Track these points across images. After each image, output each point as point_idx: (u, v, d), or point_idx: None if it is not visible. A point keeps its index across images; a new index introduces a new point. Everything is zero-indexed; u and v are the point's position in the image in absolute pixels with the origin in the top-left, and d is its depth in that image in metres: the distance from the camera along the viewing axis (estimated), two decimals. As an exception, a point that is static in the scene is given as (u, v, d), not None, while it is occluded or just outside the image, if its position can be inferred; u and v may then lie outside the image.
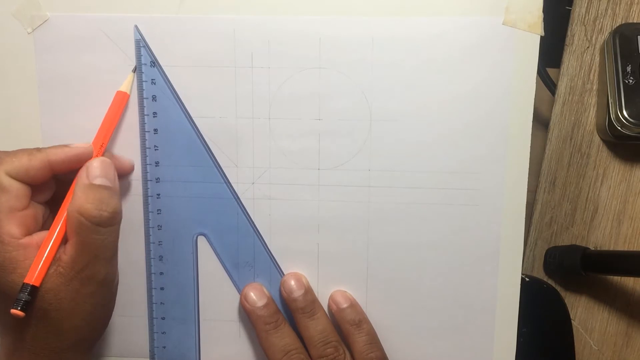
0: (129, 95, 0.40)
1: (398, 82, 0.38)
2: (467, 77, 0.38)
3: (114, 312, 0.38)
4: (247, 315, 0.40)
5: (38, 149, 0.36)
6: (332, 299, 0.40)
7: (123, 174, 0.40)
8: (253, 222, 0.41)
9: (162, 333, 0.42)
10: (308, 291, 0.40)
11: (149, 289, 0.42)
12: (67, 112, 0.40)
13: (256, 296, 0.40)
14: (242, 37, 0.39)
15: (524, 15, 0.37)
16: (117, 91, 0.39)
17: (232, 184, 0.40)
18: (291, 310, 0.40)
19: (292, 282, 0.40)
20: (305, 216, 0.40)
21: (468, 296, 0.40)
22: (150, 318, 0.42)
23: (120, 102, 0.39)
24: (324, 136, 0.39)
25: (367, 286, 0.41)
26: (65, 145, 0.36)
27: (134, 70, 0.40)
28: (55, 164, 0.35)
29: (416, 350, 0.41)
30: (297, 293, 0.39)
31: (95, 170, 0.35)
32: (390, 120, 0.39)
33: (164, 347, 0.42)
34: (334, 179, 0.40)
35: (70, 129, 0.41)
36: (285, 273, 0.41)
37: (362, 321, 0.39)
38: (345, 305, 0.40)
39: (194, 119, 0.40)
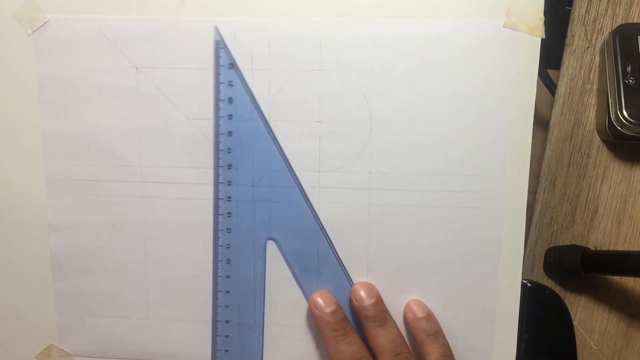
0: None
1: (398, 84, 0.38)
2: (468, 79, 0.38)
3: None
4: (315, 321, 0.40)
5: None
6: (408, 307, 0.40)
7: None
8: (324, 227, 0.40)
9: (225, 337, 0.42)
10: (378, 300, 0.40)
11: (215, 292, 0.42)
12: (67, 113, 0.40)
13: (325, 302, 0.40)
14: (242, 39, 0.39)
15: (525, 18, 0.37)
16: None
17: (305, 189, 0.40)
18: (361, 319, 0.40)
19: (362, 291, 0.39)
20: (305, 218, 0.40)
21: (468, 298, 0.40)
22: (214, 321, 0.42)
23: None
24: (325, 138, 0.39)
25: (367, 288, 0.41)
26: None
27: None
28: None
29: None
30: (368, 302, 0.39)
31: None
32: (391, 122, 0.39)
33: (226, 350, 0.42)
34: (334, 181, 0.40)
35: (70, 130, 0.41)
36: (353, 279, 0.41)
37: (438, 332, 0.39)
38: (422, 315, 0.39)
39: (269, 122, 0.40)
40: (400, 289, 0.40)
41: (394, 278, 0.40)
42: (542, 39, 0.37)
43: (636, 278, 0.46)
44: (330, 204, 0.40)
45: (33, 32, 0.40)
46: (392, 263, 0.40)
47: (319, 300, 0.40)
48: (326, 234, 0.40)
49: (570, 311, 0.46)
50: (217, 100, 0.40)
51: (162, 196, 0.41)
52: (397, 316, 0.40)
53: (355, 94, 0.39)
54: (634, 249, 0.47)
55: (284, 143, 0.40)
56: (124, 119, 0.40)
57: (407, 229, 0.40)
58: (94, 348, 0.43)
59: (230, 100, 0.39)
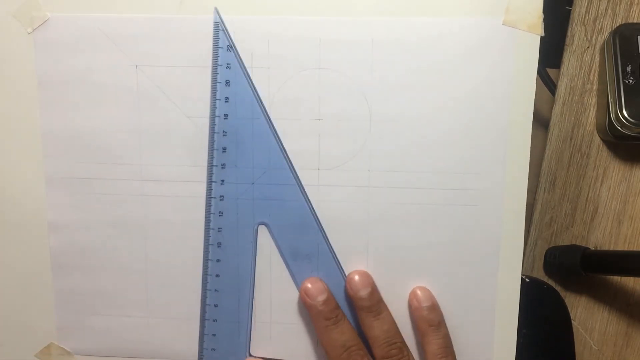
0: None
1: (398, 83, 0.38)
2: (467, 77, 0.38)
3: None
4: (307, 309, 0.40)
5: None
6: (414, 294, 0.40)
7: None
8: (316, 215, 0.40)
9: (214, 321, 0.42)
10: (374, 290, 0.39)
11: (204, 276, 0.41)
12: (67, 112, 0.40)
13: (316, 291, 0.39)
14: (242, 38, 0.39)
15: (524, 16, 0.37)
16: None
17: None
18: (357, 309, 0.39)
19: (358, 280, 0.39)
20: (304, 215, 0.40)
21: (468, 296, 0.40)
22: (203, 305, 0.42)
23: None
24: (324, 136, 0.39)
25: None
26: None
27: None
28: None
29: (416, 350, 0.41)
30: (364, 292, 0.39)
31: None
32: (390, 121, 0.39)
33: (214, 335, 0.42)
34: (334, 179, 0.40)
35: (70, 129, 0.41)
36: (344, 268, 0.40)
37: (441, 323, 0.39)
38: (426, 304, 0.39)
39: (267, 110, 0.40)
40: (400, 287, 0.40)
41: (393, 276, 0.40)
42: (541, 37, 0.37)
43: (636, 278, 0.46)
44: (330, 201, 0.40)
45: (33, 31, 0.40)
46: (392, 261, 0.40)
47: (310, 287, 0.39)
48: (324, 231, 0.40)
49: (570, 311, 0.46)
50: (214, 82, 0.39)
51: (162, 195, 0.41)
52: (396, 311, 0.40)
53: (355, 92, 0.39)
54: (634, 249, 0.47)
55: (284, 141, 0.40)
56: (123, 117, 0.40)
57: (407, 227, 0.40)
58: (94, 347, 0.43)
59: (227, 83, 0.39)
